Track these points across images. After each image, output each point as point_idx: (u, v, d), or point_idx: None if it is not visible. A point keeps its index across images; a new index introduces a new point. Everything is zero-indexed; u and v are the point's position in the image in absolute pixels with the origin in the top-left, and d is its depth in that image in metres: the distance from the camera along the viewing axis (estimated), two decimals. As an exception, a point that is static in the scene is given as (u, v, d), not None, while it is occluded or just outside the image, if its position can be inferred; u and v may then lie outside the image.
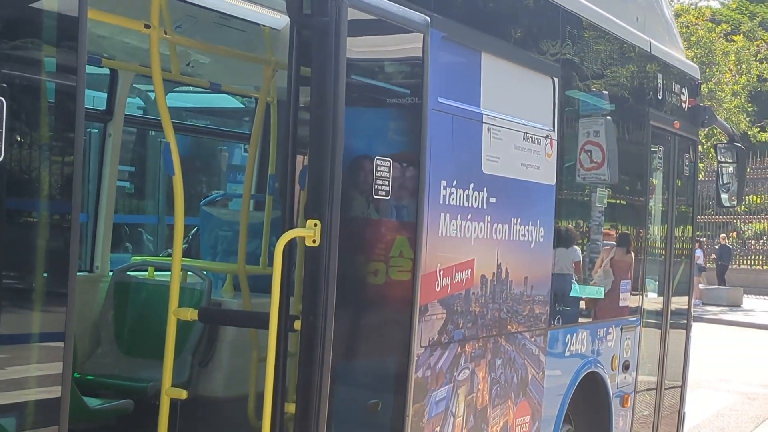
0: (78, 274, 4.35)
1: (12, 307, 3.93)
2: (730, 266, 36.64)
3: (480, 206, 6.29)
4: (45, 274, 4.12)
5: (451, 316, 6.10)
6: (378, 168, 5.37)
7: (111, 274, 7.50)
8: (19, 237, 3.93)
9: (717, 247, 35.85)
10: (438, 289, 5.95)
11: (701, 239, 33.66)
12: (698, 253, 29.14)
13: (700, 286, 32.68)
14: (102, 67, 7.05)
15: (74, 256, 4.08)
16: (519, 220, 6.73)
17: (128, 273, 7.38)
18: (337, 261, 4.97)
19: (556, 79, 7.21)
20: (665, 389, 9.51)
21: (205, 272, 7.06)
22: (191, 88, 8.95)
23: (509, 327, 6.75)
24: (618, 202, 8.74)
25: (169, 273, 5.84)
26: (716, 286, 34.31)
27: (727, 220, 39.84)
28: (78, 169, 4.14)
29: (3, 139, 3.71)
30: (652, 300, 9.22)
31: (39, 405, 4.04)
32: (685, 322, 10.09)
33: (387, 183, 5.42)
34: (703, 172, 32.86)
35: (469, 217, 6.18)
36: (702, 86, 27.94)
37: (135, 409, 6.41)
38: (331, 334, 4.95)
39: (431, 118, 5.78)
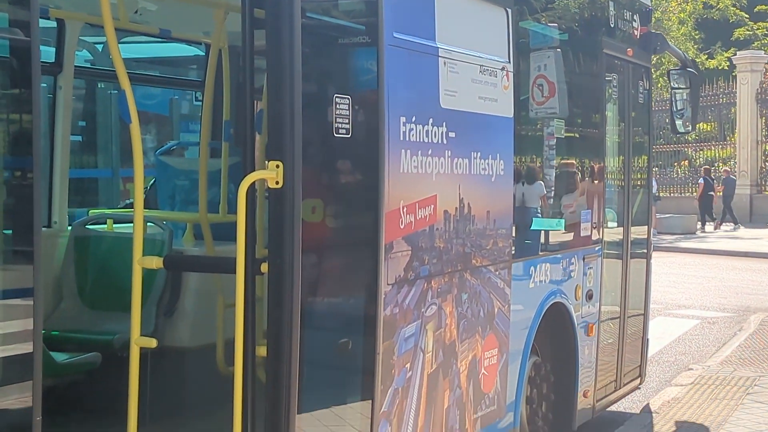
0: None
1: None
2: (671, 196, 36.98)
3: (440, 141, 6.26)
4: (10, 231, 4.07)
5: (417, 252, 6.08)
6: (337, 106, 5.32)
7: (69, 228, 7.43)
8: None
9: (723, 178, 35.90)
10: (402, 226, 5.92)
11: (653, 169, 33.84)
12: (653, 183, 29.33)
13: (656, 216, 32.91)
14: (49, 18, 6.94)
15: (38, 211, 4.03)
16: (479, 153, 6.71)
17: (87, 227, 7.31)
18: (300, 201, 4.95)
19: (509, 11, 7.16)
20: (628, 317, 9.57)
21: (165, 222, 7.01)
22: (139, 39, 8.84)
23: (474, 261, 6.75)
24: (575, 133, 8.75)
25: (128, 225, 5.80)
26: (670, 215, 34.55)
27: (678, 149, 40.07)
28: (37, 122, 4.08)
29: None
30: (612, 230, 9.26)
31: (11, 361, 4.00)
32: (645, 250, 10.14)
33: (347, 121, 5.38)
34: (654, 102, 33.00)
35: (429, 152, 6.15)
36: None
37: (103, 362, 6.38)
38: (299, 276, 4.93)
39: (387, 53, 5.73)
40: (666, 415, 9.71)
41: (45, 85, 8.08)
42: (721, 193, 35.23)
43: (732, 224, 35.04)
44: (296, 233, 4.89)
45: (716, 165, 38.58)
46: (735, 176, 36.52)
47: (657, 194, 33.21)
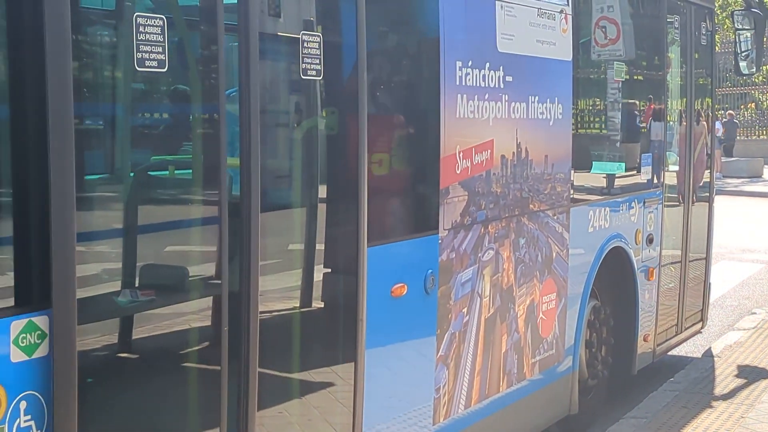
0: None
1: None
2: (738, 139, 36.44)
3: (497, 85, 6.24)
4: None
5: (473, 197, 6.09)
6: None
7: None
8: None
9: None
10: (458, 171, 5.93)
11: (719, 111, 33.44)
12: (717, 125, 28.98)
13: (721, 159, 32.55)
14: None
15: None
16: (537, 97, 6.68)
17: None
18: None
19: (568, -47, 7.09)
20: (690, 261, 9.52)
21: None
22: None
23: (531, 206, 6.75)
24: (636, 76, 8.67)
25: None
26: (736, 158, 34.17)
27: (744, 91, 39.51)
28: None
29: None
30: (673, 173, 9.19)
31: None
32: (707, 194, 10.06)
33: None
34: (719, 44, 32.53)
35: (486, 97, 6.14)
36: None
37: None
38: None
39: (443, -2, 5.73)
40: (728, 359, 9.67)
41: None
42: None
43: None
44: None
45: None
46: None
47: (722, 137, 32.85)
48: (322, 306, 5.27)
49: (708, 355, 9.97)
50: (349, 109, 5.13)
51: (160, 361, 4.55)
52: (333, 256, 5.26)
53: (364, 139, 5.09)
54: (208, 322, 4.57)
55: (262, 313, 4.59)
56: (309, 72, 4.84)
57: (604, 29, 7.72)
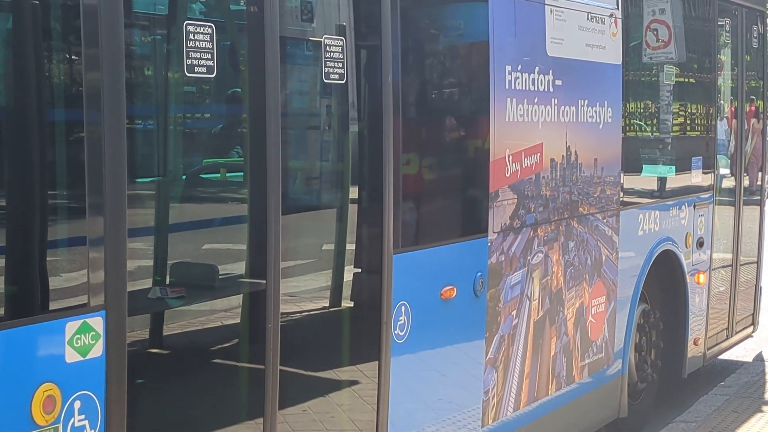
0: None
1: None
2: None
3: (546, 89, 6.26)
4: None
5: (522, 200, 6.11)
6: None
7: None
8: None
9: None
10: (508, 175, 5.95)
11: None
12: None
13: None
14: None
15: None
16: (586, 101, 6.69)
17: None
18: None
19: (617, -44, 7.10)
20: (741, 265, 9.47)
21: None
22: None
23: (581, 209, 6.75)
24: (686, 78, 8.64)
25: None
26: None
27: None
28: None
29: None
30: (724, 176, 9.15)
31: None
32: (759, 197, 10.00)
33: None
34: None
35: (535, 100, 6.16)
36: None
37: None
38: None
39: (492, 2, 5.75)
40: (780, 363, 9.63)
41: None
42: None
43: None
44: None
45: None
46: None
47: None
48: (351, 306, 5.32)
49: (759, 359, 9.92)
50: (387, 113, 5.13)
51: (194, 359, 4.65)
52: (360, 258, 5.32)
53: (396, 143, 5.10)
54: (249, 319, 4.66)
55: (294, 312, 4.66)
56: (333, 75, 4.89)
57: (655, 32, 7.71)
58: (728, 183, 9.24)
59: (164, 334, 4.50)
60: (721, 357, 9.52)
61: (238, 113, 4.94)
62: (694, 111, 8.80)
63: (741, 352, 10.32)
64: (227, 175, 5.42)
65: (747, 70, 9.57)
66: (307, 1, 4.96)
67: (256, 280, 4.52)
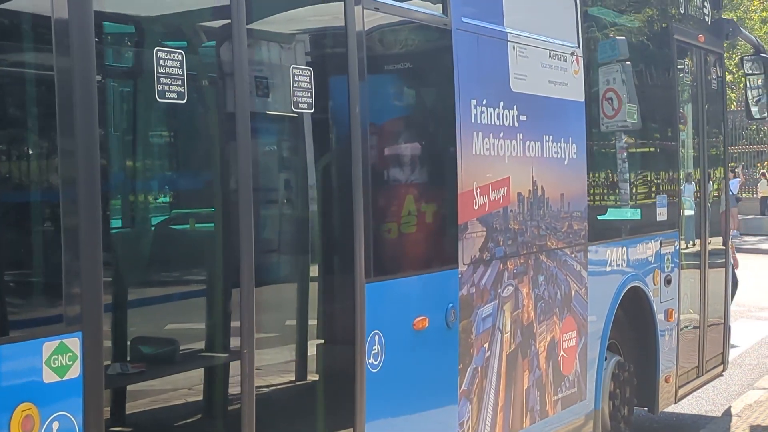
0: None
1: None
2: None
3: (511, 124, 6.36)
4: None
5: (491, 233, 6.18)
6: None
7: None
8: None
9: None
10: (476, 207, 6.03)
11: (736, 169, 33.46)
12: (734, 183, 28.93)
13: (738, 217, 32.48)
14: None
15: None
16: (551, 137, 6.79)
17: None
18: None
19: (577, -4, 7.23)
20: (708, 305, 9.52)
21: None
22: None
23: (549, 243, 6.83)
24: (647, 120, 8.74)
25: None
26: (753, 216, 34.13)
27: (761, 149, 39.50)
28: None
29: None
30: (690, 214, 9.24)
31: None
32: (723, 237, 10.08)
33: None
34: (735, 102, 32.65)
35: (501, 135, 6.25)
36: (730, 14, 27.53)
37: None
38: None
39: (456, 38, 5.86)
40: (748, 418, 9.58)
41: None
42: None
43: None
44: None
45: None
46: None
47: (739, 195, 32.81)
48: (324, 335, 5.36)
49: (727, 414, 9.88)
50: (356, 146, 5.20)
51: (174, 381, 4.69)
52: (332, 287, 5.40)
53: (365, 175, 5.18)
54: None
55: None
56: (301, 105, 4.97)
57: (610, 101, 7.74)
58: (694, 221, 9.30)
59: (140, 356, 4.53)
60: (690, 412, 9.56)
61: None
62: (656, 148, 8.89)
63: (710, 407, 10.34)
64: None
65: (707, 107, 9.65)
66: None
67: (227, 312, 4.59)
